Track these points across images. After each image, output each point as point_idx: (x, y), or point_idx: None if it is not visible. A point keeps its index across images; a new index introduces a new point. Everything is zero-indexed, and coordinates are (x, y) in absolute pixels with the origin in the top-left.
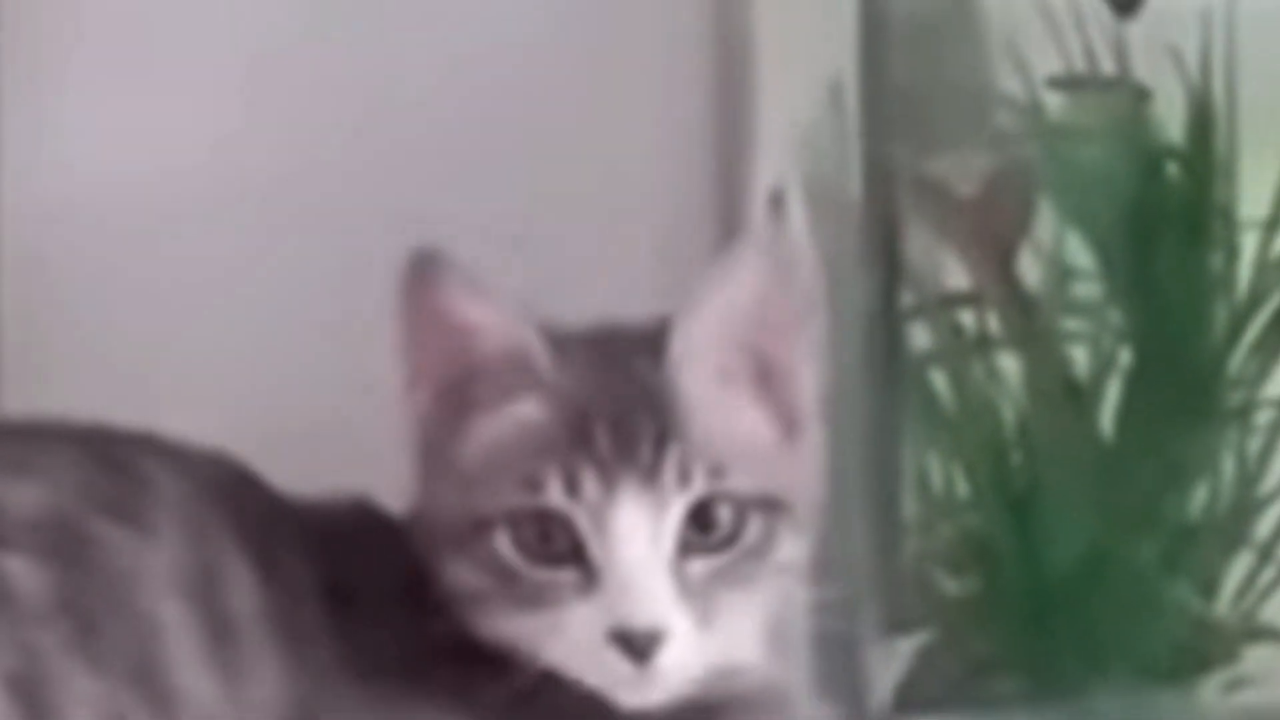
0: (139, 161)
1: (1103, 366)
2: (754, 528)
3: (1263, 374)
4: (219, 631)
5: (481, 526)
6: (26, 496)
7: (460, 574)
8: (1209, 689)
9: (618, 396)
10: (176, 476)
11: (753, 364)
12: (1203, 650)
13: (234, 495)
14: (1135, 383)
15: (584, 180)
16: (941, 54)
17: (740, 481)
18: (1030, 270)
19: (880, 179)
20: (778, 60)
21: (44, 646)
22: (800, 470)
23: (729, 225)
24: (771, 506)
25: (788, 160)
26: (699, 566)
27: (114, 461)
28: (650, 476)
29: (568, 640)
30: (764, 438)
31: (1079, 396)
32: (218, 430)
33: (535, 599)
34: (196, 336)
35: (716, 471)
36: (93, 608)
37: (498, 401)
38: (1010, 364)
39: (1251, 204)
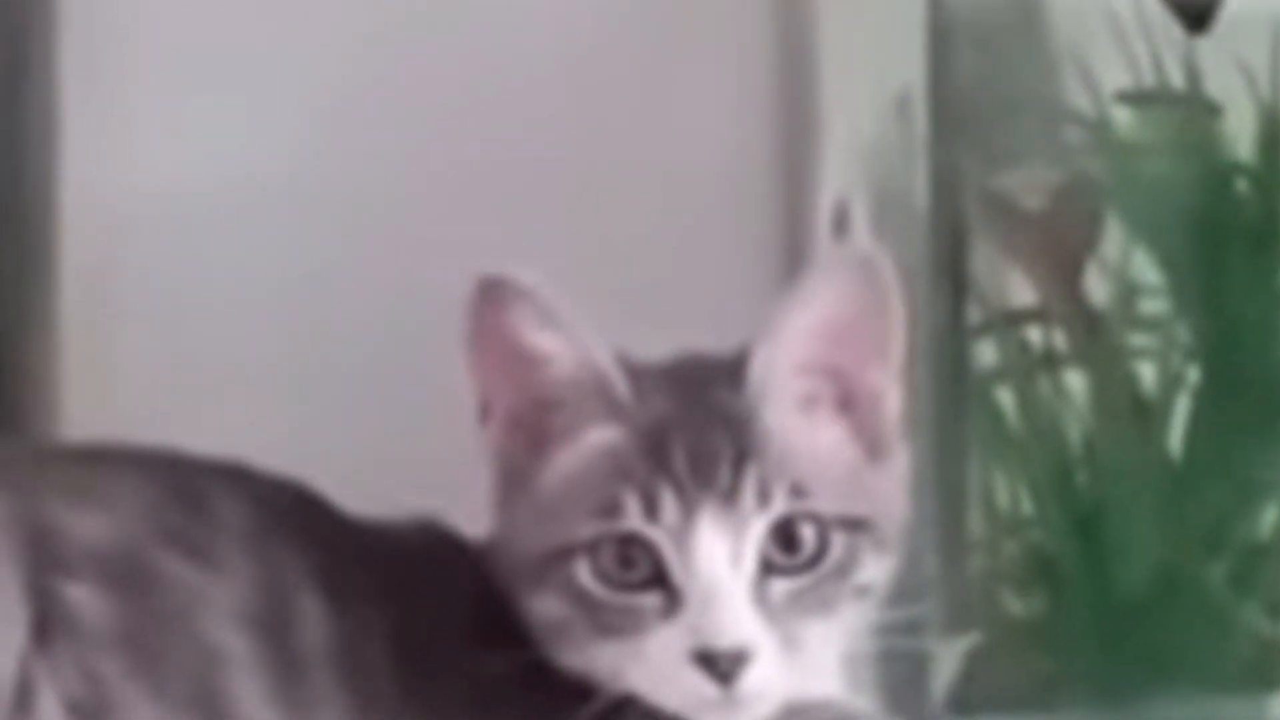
0: (202, 170)
1: (1171, 384)
2: (838, 548)
3: None
4: (286, 667)
5: (561, 556)
6: (93, 525)
7: (541, 605)
8: (1277, 707)
9: (696, 420)
10: (246, 506)
11: (835, 386)
12: (1271, 669)
13: (305, 526)
14: (1203, 400)
15: (650, 198)
16: (1009, 66)
17: (823, 502)
18: (1097, 286)
19: (947, 192)
20: (843, 71)
21: (106, 674)
22: (884, 491)
23: (796, 240)
24: (855, 526)
25: (854, 173)
26: (782, 587)
27: (182, 491)
28: (730, 497)
29: (651, 665)
30: (847, 458)
31: (1146, 414)
32: (281, 447)
33: (618, 626)
34: (261, 350)
35: (798, 491)
36: (156, 639)
37: (575, 430)
38: (1077, 381)
39: None
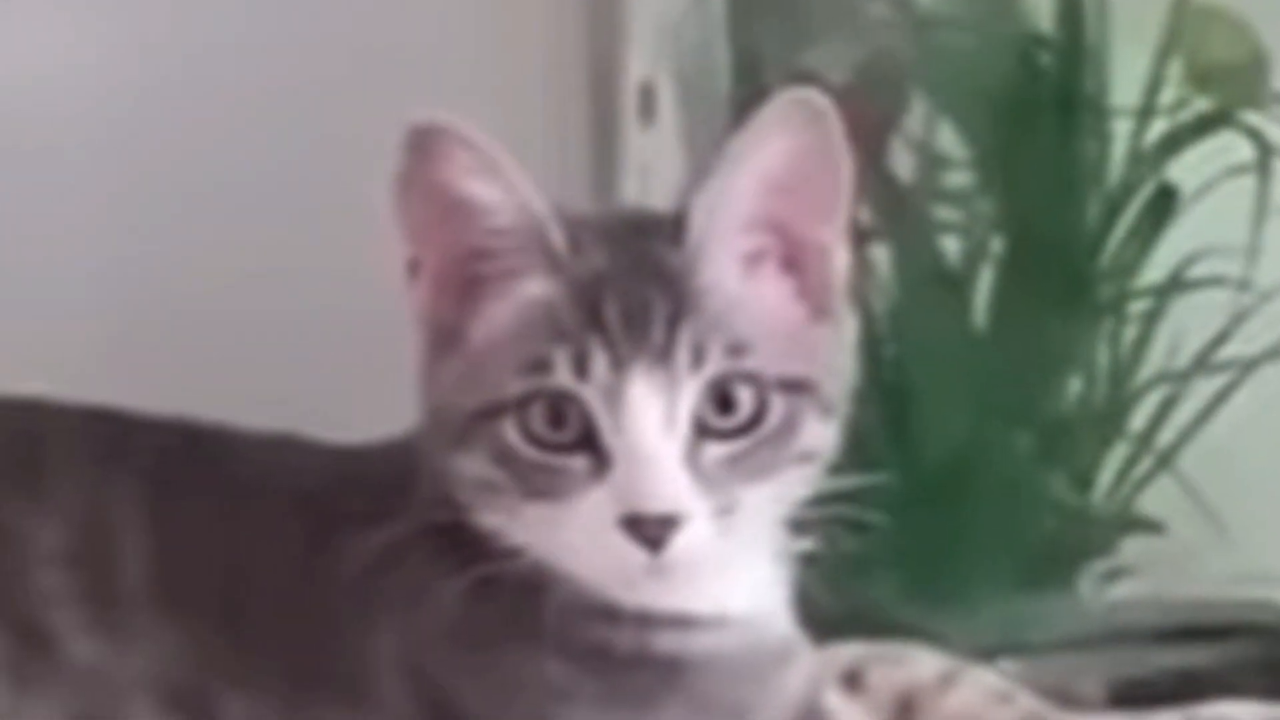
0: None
1: (975, 256)
2: (777, 411)
3: (1136, 264)
4: (106, 601)
5: (488, 415)
6: None
7: (468, 465)
8: (1086, 581)
9: (631, 275)
10: (90, 447)
11: (781, 242)
12: (1079, 542)
13: (148, 463)
14: (1008, 272)
15: (464, 83)
16: None
17: (762, 361)
18: (902, 161)
19: (749, 72)
20: None
21: None
22: (829, 353)
23: (601, 120)
24: (797, 389)
25: (658, 57)
26: (717, 450)
27: (21, 435)
28: (663, 355)
29: (578, 529)
30: (791, 318)
31: (951, 287)
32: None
33: (545, 489)
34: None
35: (735, 350)
36: None
37: (507, 282)
38: (882, 255)
39: (1123, 92)
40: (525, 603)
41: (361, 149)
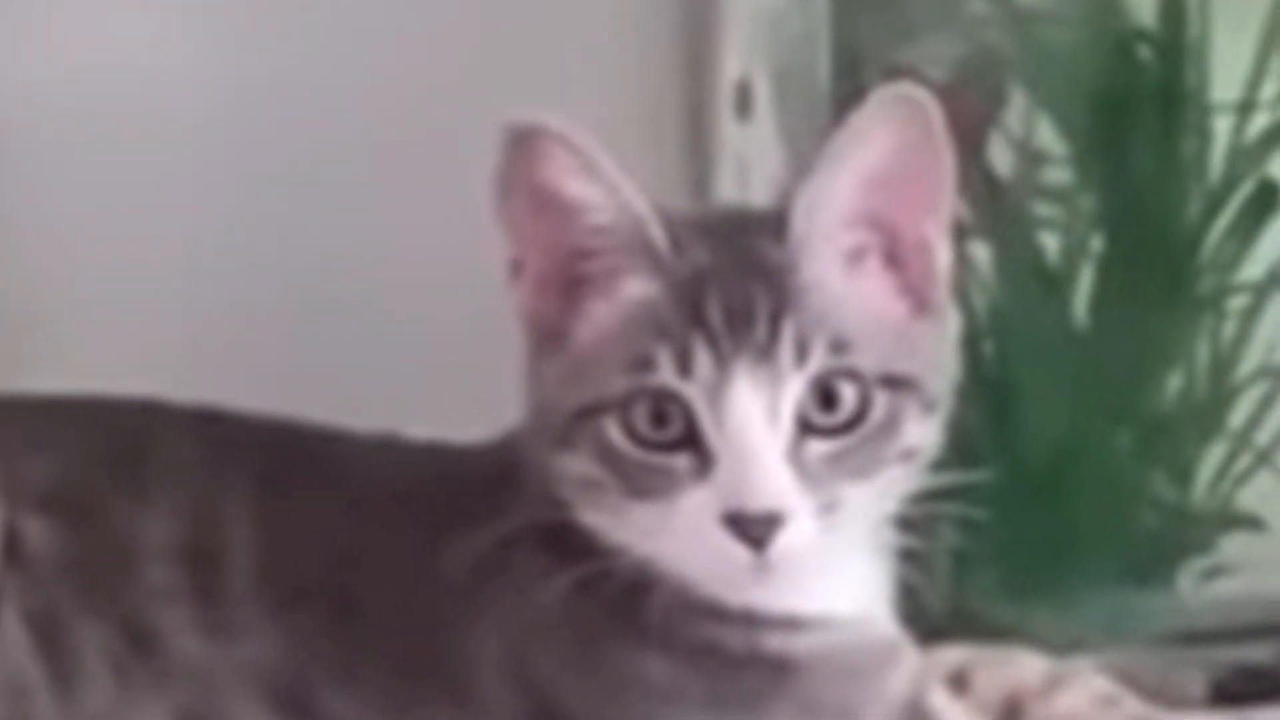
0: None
1: (1075, 253)
2: (880, 408)
3: (1236, 259)
4: (214, 598)
5: (592, 413)
6: (42, 467)
7: (571, 464)
8: (1185, 578)
9: (733, 272)
10: (195, 447)
11: (883, 238)
12: (1179, 539)
13: (254, 461)
14: (1108, 269)
15: (558, 80)
16: None
17: (865, 358)
18: (1001, 157)
19: (850, 68)
20: None
21: (57, 598)
22: (932, 348)
23: (699, 120)
24: (899, 386)
25: (756, 52)
26: (820, 448)
27: (129, 434)
28: (766, 352)
29: (682, 527)
30: (894, 314)
31: (1051, 283)
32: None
33: (649, 488)
34: None
35: (838, 347)
36: (96, 570)
37: (610, 282)
38: (982, 252)
39: (1224, 87)
40: (630, 602)
41: (460, 146)
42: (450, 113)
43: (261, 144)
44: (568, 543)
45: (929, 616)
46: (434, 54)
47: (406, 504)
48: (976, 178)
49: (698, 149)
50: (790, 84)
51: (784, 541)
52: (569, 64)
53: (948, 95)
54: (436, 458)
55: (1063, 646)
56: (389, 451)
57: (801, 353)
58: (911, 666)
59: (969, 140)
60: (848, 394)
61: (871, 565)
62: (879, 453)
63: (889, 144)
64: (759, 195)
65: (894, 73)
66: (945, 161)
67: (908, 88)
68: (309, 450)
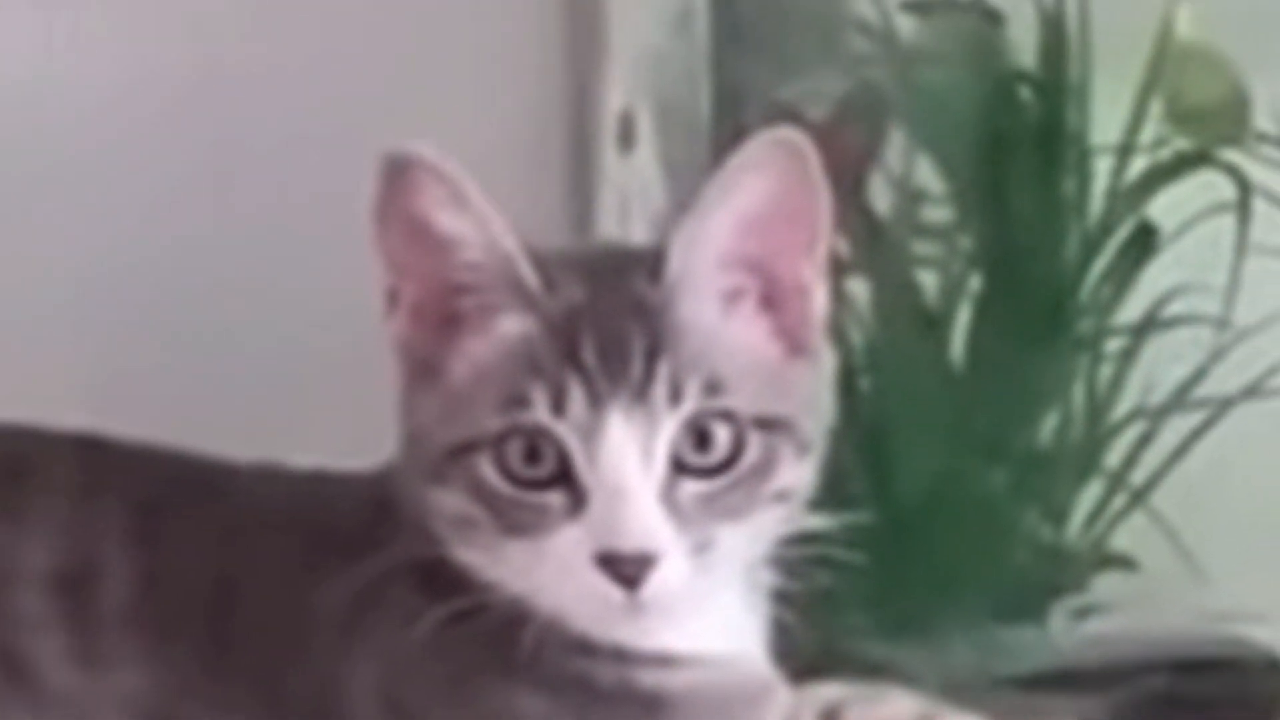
0: None
1: (953, 292)
2: (754, 449)
3: (1114, 301)
4: (86, 626)
5: (466, 450)
6: None
7: (445, 500)
8: (1058, 616)
9: (608, 311)
10: (79, 472)
11: (760, 280)
12: (1052, 578)
13: (139, 486)
14: (986, 309)
15: (438, 103)
16: None
17: (740, 400)
18: (881, 195)
19: (731, 104)
20: None
21: None
22: (807, 390)
23: (579, 148)
24: (774, 427)
25: (639, 86)
26: (693, 488)
27: (8, 458)
28: (640, 393)
29: (555, 566)
30: (769, 356)
31: (929, 322)
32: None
33: (522, 525)
34: None
35: (713, 388)
36: None
37: (485, 319)
38: (860, 289)
39: (1104, 130)
40: (503, 636)
41: (340, 175)
42: (330, 140)
43: (152, 165)
44: (443, 576)
45: (801, 654)
46: (314, 82)
47: (285, 534)
48: (856, 215)
49: (580, 180)
50: (672, 117)
51: (657, 581)
52: (452, 92)
53: (828, 132)
54: (316, 487)
55: (935, 685)
56: (269, 481)
57: (676, 393)
58: (784, 705)
59: (849, 177)
60: (721, 435)
61: (745, 604)
62: (753, 493)
63: (766, 187)
64: (640, 226)
65: (773, 110)
66: (822, 204)
67: (786, 132)
68: (188, 478)
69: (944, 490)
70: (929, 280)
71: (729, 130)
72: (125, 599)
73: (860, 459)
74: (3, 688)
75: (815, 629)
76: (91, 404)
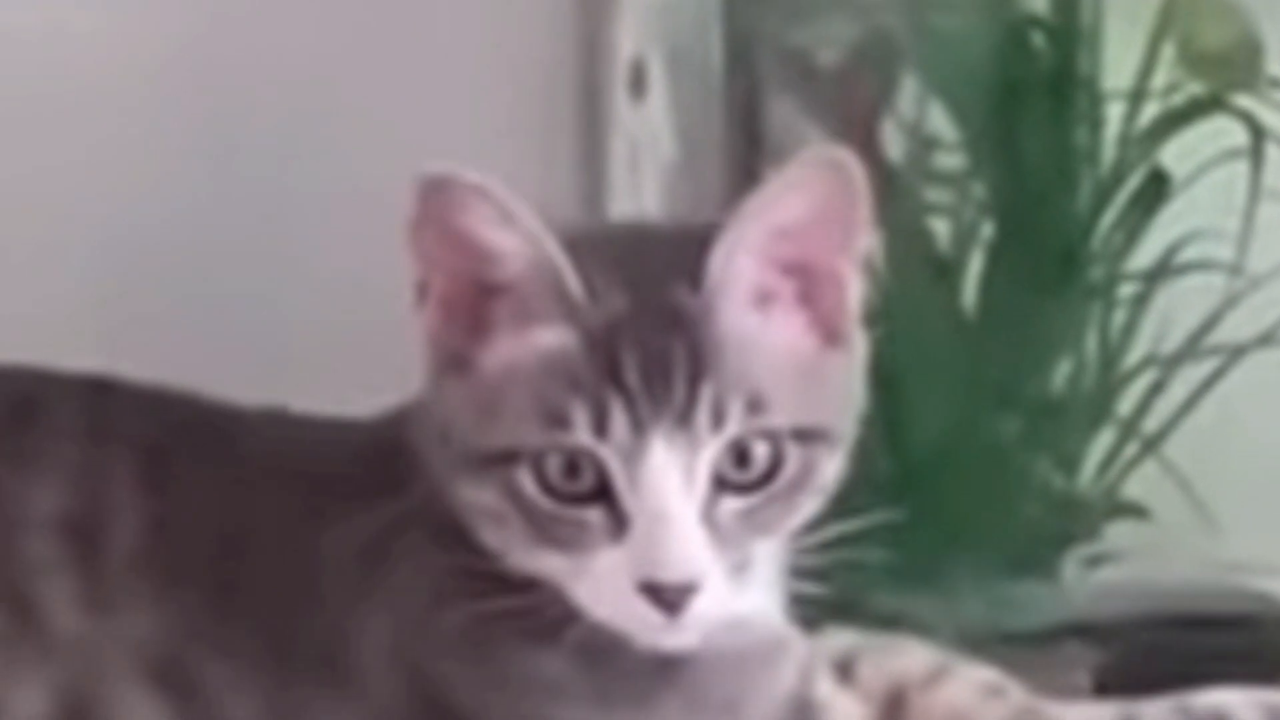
0: None
1: (965, 239)
2: (792, 463)
3: (1126, 248)
4: (95, 570)
5: (503, 460)
6: None
7: (478, 495)
8: (1071, 566)
9: (649, 326)
10: (87, 415)
11: (795, 279)
12: (1065, 527)
13: (148, 431)
14: (998, 256)
15: (449, 54)
16: None
17: (779, 415)
18: (893, 142)
19: (742, 50)
20: None
21: None
22: (841, 381)
23: (590, 95)
24: (811, 437)
25: (649, 33)
26: (732, 505)
27: (16, 401)
28: (683, 417)
29: (596, 586)
30: (804, 350)
31: (941, 270)
32: None
33: (562, 539)
34: None
35: (754, 406)
36: None
37: (522, 323)
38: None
39: (1116, 75)
40: (522, 598)
41: (353, 129)
42: (342, 92)
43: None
44: (456, 527)
45: (813, 603)
46: (319, 35)
47: (295, 479)
48: (868, 162)
49: (591, 127)
50: (683, 64)
51: (698, 607)
52: (463, 40)
53: (840, 79)
54: (327, 432)
55: (948, 637)
56: (279, 426)
57: (718, 417)
58: (799, 659)
59: (862, 124)
60: (760, 451)
61: (762, 562)
62: (790, 505)
63: (809, 203)
64: (650, 173)
65: (786, 55)
66: (863, 213)
67: (830, 151)
68: (198, 423)
69: (956, 438)
70: (941, 228)
71: (741, 78)
72: (134, 543)
73: (873, 407)
74: (11, 631)
75: (827, 577)
76: (101, 348)
